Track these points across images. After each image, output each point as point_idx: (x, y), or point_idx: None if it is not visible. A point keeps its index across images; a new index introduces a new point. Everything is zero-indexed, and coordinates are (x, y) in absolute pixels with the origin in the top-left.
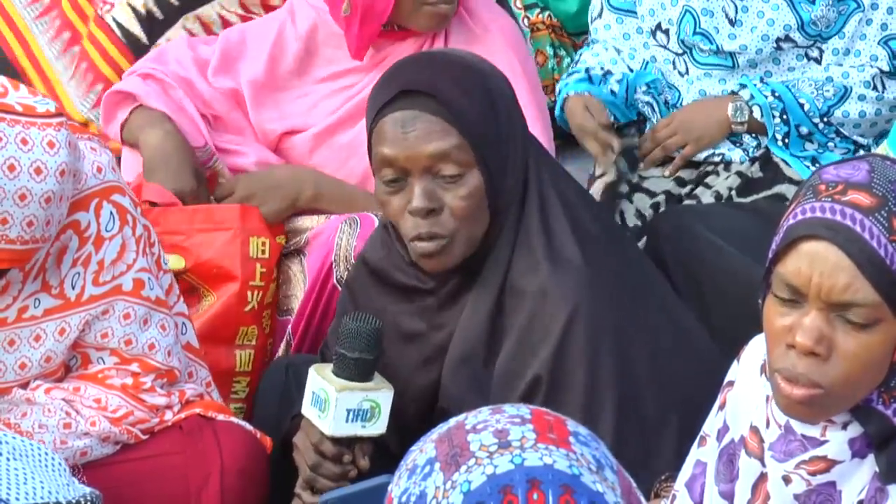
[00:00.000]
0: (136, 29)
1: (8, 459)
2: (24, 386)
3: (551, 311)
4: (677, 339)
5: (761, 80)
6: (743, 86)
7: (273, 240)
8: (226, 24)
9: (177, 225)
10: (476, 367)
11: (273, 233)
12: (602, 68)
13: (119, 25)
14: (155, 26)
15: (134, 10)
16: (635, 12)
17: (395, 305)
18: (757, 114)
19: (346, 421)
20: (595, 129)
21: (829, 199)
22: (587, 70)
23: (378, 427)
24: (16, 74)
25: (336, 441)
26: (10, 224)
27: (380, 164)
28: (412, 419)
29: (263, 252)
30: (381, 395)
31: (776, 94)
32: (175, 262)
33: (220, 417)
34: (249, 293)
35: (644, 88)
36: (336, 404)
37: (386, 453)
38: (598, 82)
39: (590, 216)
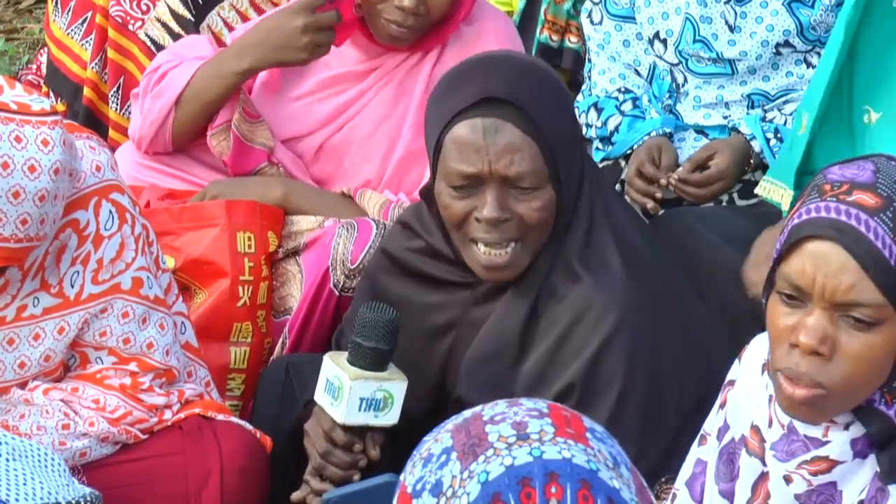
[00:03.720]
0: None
1: (7, 460)
2: (23, 386)
3: (593, 322)
4: (701, 356)
5: (774, 127)
6: (753, 136)
7: (258, 233)
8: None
9: (165, 225)
10: (499, 365)
11: (262, 227)
12: (622, 91)
13: (153, 42)
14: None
15: (163, 24)
16: (634, 18)
17: (421, 297)
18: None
19: (359, 410)
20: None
21: (835, 199)
22: (613, 99)
23: (391, 417)
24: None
25: (348, 429)
26: (3, 222)
27: (454, 171)
28: (428, 409)
29: (250, 247)
30: (395, 386)
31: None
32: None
33: (220, 417)
34: (240, 288)
35: (667, 95)
36: (349, 392)
37: (397, 444)
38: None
39: (633, 228)
